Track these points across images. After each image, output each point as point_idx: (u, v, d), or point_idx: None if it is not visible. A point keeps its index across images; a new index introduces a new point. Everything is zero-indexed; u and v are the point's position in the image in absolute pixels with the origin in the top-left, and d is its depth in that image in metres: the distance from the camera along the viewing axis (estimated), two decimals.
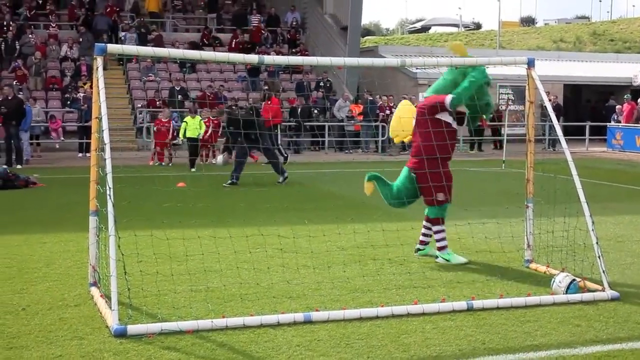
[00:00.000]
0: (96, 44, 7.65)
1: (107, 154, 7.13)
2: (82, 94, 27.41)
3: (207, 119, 23.56)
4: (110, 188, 6.91)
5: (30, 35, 31.97)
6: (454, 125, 9.41)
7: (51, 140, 27.29)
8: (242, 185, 17.29)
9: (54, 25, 33.63)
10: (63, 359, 6.02)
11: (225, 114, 18.19)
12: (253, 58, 8.41)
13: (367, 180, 9.57)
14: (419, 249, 9.69)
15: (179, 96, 29.51)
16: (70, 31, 34.35)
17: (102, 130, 7.29)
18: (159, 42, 32.46)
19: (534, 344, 6.51)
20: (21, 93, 26.92)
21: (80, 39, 32.90)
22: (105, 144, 7.17)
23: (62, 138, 27.25)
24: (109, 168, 7.02)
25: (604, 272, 8.01)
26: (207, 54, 8.46)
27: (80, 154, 26.54)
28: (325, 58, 8.90)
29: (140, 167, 21.78)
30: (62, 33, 33.88)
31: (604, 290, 7.93)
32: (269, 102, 24.79)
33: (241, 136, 16.58)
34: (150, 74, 32.18)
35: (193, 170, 21.09)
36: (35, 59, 30.24)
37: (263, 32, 35.94)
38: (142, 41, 32.07)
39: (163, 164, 23.41)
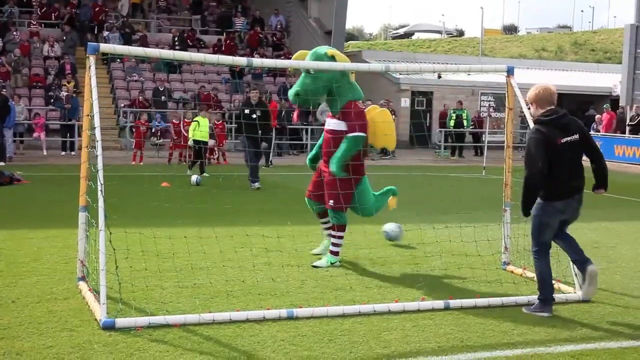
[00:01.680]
0: (89, 43, 7.81)
1: (99, 150, 7.29)
2: (64, 93, 27.47)
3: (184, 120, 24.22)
4: (101, 184, 7.08)
5: (14, 33, 31.99)
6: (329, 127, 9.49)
7: (33, 139, 27.25)
8: (227, 187, 17.44)
9: (35, 23, 33.64)
10: (54, 350, 6.18)
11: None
12: (242, 60, 8.58)
13: (393, 195, 9.87)
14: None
15: (162, 97, 29.74)
16: (53, 29, 34.39)
17: (94, 128, 7.46)
18: (143, 43, 32.56)
19: (511, 342, 6.75)
20: (4, 90, 26.93)
21: (64, 38, 32.97)
22: (97, 141, 7.34)
23: (45, 138, 27.04)
24: (100, 165, 7.18)
25: (576, 274, 8.27)
26: (196, 56, 8.62)
27: (63, 152, 26.64)
28: (312, 62, 9.09)
29: (124, 167, 21.92)
30: (46, 31, 33.91)
31: (575, 292, 8.20)
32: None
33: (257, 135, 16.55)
34: (134, 74, 32.27)
35: (189, 173, 19.79)
36: (14, 56, 30.24)
37: (260, 35, 36.17)
38: (126, 41, 32.19)
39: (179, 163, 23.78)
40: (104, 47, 7.93)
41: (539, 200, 7.58)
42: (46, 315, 7.12)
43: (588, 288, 7.93)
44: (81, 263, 8.21)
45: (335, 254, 9.44)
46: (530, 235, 7.77)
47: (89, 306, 7.36)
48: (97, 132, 7.41)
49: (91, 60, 7.72)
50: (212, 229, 10.40)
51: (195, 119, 21.18)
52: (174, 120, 24.88)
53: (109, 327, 6.69)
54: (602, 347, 6.70)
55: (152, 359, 6.05)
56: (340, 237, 9.44)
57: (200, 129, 20.31)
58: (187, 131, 24.30)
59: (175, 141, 24.34)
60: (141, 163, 23.82)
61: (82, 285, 8.02)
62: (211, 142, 23.93)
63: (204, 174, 19.71)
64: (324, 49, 9.37)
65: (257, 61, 8.77)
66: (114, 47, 8.44)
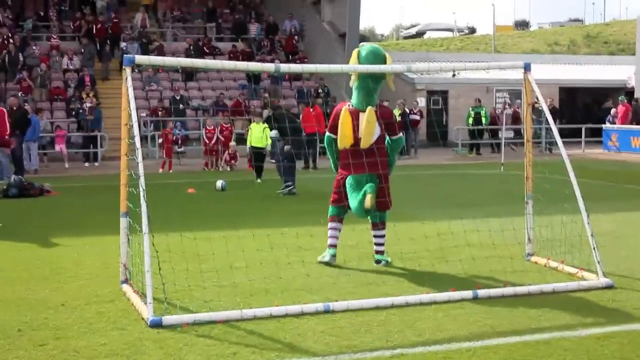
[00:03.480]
0: (124, 55, 8.19)
1: (139, 158, 7.69)
2: (88, 105, 27.94)
3: (215, 126, 25.30)
4: (143, 189, 7.48)
5: (34, 47, 32.51)
6: None
7: (56, 151, 27.65)
8: (260, 189, 17.81)
9: (55, 37, 34.19)
10: (107, 347, 6.56)
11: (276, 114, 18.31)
12: (270, 66, 8.99)
13: (370, 192, 9.37)
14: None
15: (180, 105, 30.22)
16: (71, 42, 34.91)
17: (134, 137, 7.86)
18: (160, 52, 33.04)
19: (539, 327, 7.08)
20: (27, 104, 27.37)
21: (82, 50, 33.47)
22: (137, 149, 7.73)
23: (66, 150, 27.29)
24: (141, 171, 7.58)
25: (598, 262, 8.59)
26: (228, 63, 9.13)
27: (86, 163, 27.10)
28: (337, 65, 9.47)
29: (151, 175, 22.29)
30: (64, 44, 34.43)
31: (598, 279, 8.52)
32: (312, 110, 25.43)
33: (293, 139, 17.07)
34: (152, 84, 32.75)
35: (259, 181, 20.32)
36: (40, 71, 30.78)
37: (295, 40, 36.69)
38: (144, 51, 32.63)
39: (229, 168, 24.65)
40: (139, 59, 8.30)
41: None
42: (95, 316, 7.51)
43: None
44: (124, 266, 8.60)
45: (328, 245, 9.87)
46: None
47: (134, 307, 7.73)
48: (137, 140, 7.81)
49: (127, 72, 8.11)
50: (248, 229, 10.82)
51: (250, 126, 21.39)
52: (207, 127, 25.60)
53: (157, 325, 7.06)
54: (626, 329, 7.02)
55: (201, 352, 6.42)
56: (329, 228, 9.92)
57: (254, 135, 20.34)
58: (208, 139, 24.96)
59: (209, 147, 25.20)
60: (170, 171, 24.27)
61: (126, 287, 8.40)
62: (232, 145, 24.57)
63: (258, 180, 20.13)
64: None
65: (285, 66, 9.16)
66: (149, 59, 8.82)
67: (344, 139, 9.60)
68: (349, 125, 9.55)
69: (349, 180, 9.64)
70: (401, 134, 10.15)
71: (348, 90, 33.63)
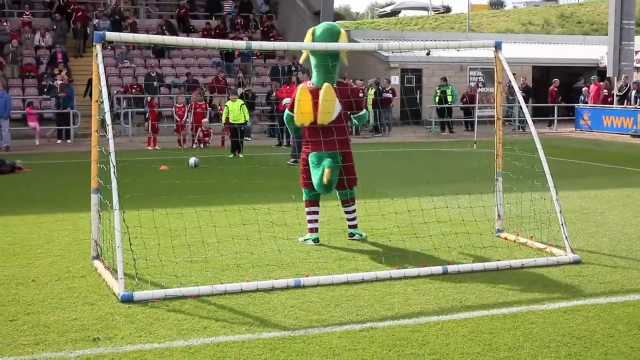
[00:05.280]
0: (95, 32, 8.15)
1: (110, 134, 7.70)
2: (59, 82, 27.67)
3: (185, 104, 24.81)
4: (114, 166, 7.48)
5: (5, 23, 32.15)
6: None
7: (30, 128, 27.38)
8: (231, 163, 17.84)
9: (27, 13, 33.80)
10: (78, 322, 6.58)
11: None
12: (241, 44, 8.96)
13: (328, 167, 9.34)
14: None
15: (154, 82, 30.00)
16: (43, 19, 34.54)
17: (105, 113, 7.84)
18: (133, 29, 32.75)
19: (506, 301, 7.19)
20: None
21: (54, 27, 33.14)
22: (107, 125, 7.72)
23: (39, 127, 27.03)
24: (112, 147, 7.59)
25: (566, 238, 8.72)
26: (198, 41, 9.02)
27: (59, 141, 26.87)
28: (308, 43, 9.44)
29: (123, 152, 22.21)
30: (36, 21, 34.06)
31: (566, 255, 8.65)
32: (288, 87, 25.34)
33: None
34: (125, 60, 32.50)
35: (241, 156, 20.91)
36: (12, 47, 30.45)
37: (269, 18, 36.58)
38: (115, 28, 32.35)
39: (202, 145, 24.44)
40: (110, 35, 8.26)
41: None
42: (66, 291, 7.52)
43: None
44: (95, 242, 8.60)
45: (309, 230, 9.80)
46: None
47: (106, 282, 7.75)
48: (107, 117, 7.80)
49: (98, 48, 8.09)
50: (220, 205, 10.85)
51: (226, 104, 21.88)
52: (177, 105, 25.46)
53: (128, 300, 7.09)
54: (592, 303, 7.15)
55: (172, 326, 6.46)
56: (307, 213, 9.86)
57: (232, 112, 20.90)
58: (179, 116, 24.85)
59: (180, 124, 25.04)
60: (157, 147, 24.17)
61: (97, 263, 8.41)
62: (205, 122, 24.49)
63: (240, 155, 20.72)
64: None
65: (256, 44, 9.15)
66: (119, 35, 8.78)
67: (301, 116, 9.61)
68: (307, 103, 9.53)
69: (310, 158, 9.60)
70: (365, 110, 10.15)
71: None
